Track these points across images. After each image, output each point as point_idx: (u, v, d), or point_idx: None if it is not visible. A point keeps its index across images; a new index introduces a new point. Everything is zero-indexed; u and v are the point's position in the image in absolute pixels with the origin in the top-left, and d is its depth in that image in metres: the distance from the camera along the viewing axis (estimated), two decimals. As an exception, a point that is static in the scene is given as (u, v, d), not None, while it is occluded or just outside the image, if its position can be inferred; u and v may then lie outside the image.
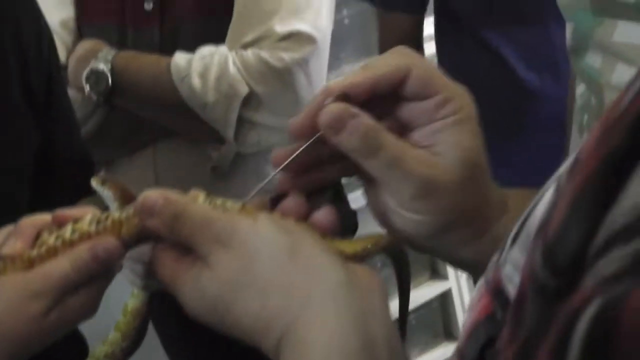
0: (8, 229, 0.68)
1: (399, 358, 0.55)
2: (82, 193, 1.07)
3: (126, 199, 0.70)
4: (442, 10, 1.77)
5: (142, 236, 0.64)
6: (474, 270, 0.67)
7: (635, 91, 0.37)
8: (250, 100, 1.49)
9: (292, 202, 0.63)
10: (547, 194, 0.45)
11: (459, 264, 0.67)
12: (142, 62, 1.52)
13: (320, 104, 0.62)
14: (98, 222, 0.65)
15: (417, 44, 1.78)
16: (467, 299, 2.75)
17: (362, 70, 0.63)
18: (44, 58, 1.16)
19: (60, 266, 0.64)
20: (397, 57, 0.63)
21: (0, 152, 1.10)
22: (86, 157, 1.27)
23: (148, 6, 1.55)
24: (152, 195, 0.61)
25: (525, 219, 0.47)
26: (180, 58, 1.49)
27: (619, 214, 0.34)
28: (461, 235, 0.63)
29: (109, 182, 0.93)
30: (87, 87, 1.51)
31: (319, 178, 0.66)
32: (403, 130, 0.64)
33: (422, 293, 2.72)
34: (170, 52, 1.51)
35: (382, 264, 2.32)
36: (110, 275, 0.67)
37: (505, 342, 0.41)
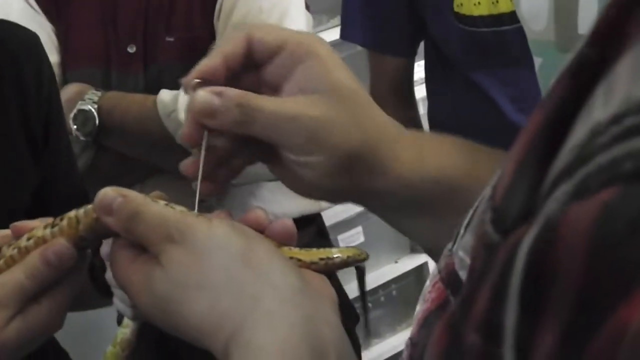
0: None
1: None
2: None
3: None
4: (432, 53, 1.77)
5: (99, 232, 0.63)
6: (382, 210, 0.69)
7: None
8: None
9: (252, 215, 0.63)
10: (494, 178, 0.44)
11: (368, 206, 0.68)
12: (129, 101, 1.53)
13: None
14: (53, 225, 0.64)
15: (407, 87, 1.79)
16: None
17: (208, 55, 0.64)
18: (44, 97, 1.17)
19: (15, 275, 0.63)
20: (237, 32, 0.65)
21: None
22: (83, 194, 1.28)
23: (131, 49, 1.58)
24: (111, 192, 0.61)
25: (477, 207, 0.45)
26: (165, 94, 1.50)
27: (561, 159, 0.33)
28: (360, 169, 0.64)
29: None
30: (74, 128, 1.52)
31: (238, 166, 0.67)
32: (274, 92, 0.65)
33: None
34: (155, 94, 1.52)
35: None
36: (73, 282, 0.66)
37: None
